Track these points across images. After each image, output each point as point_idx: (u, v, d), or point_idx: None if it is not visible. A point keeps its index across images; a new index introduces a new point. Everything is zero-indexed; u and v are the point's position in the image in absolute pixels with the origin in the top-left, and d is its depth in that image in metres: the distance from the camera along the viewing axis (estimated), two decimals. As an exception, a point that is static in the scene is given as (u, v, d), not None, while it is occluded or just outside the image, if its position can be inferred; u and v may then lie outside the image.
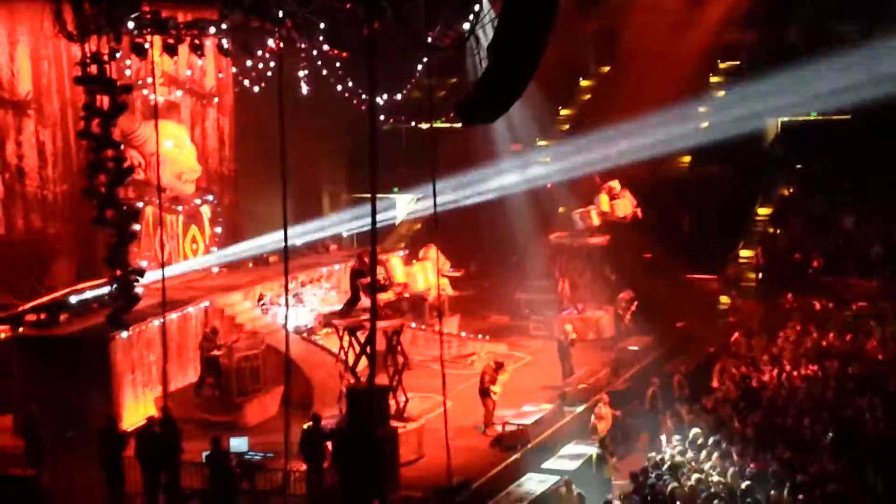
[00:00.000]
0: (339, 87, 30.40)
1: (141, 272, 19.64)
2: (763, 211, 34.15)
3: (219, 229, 28.94)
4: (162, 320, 21.09)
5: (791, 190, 34.53)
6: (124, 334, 21.35)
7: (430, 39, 19.94)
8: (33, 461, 18.85)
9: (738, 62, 38.36)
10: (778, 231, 32.91)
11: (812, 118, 35.35)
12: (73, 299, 23.49)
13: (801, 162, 34.91)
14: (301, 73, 29.41)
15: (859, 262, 30.24)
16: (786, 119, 36.22)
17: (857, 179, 32.85)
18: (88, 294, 23.67)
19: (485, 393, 21.93)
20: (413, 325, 26.18)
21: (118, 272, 19.27)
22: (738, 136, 32.89)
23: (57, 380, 21.12)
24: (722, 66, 39.19)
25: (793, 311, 27.55)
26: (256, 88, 28.87)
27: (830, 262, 30.56)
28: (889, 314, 26.04)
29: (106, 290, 21.54)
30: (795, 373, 22.30)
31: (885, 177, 31.97)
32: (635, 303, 28.54)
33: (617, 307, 28.77)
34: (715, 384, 23.07)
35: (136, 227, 20.28)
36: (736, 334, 26.15)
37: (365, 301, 20.98)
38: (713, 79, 38.93)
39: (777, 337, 25.48)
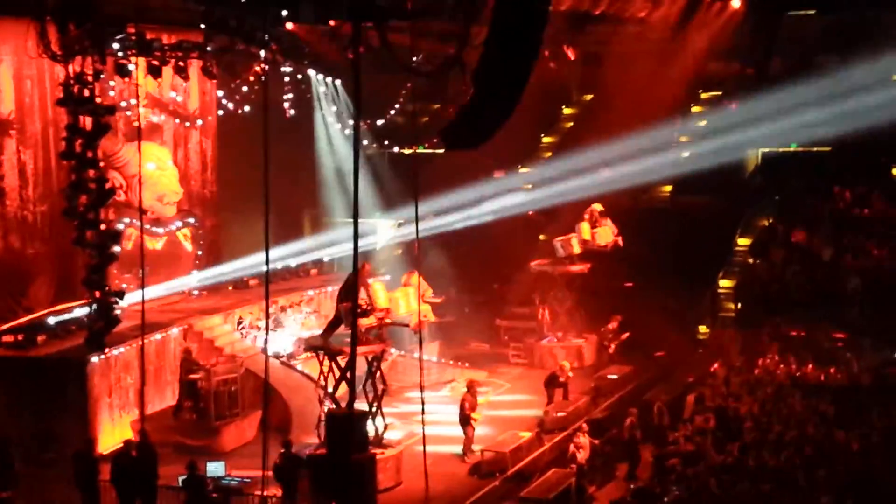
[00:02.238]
0: (323, 111, 30.47)
1: (121, 294, 19.52)
2: (743, 241, 34.26)
3: (199, 252, 28.84)
4: (140, 343, 20.96)
5: (771, 221, 34.67)
6: (102, 357, 21.21)
7: (414, 64, 19.98)
8: (4, 484, 18.64)
9: (720, 92, 38.59)
10: (758, 262, 33.00)
11: (792, 149, 35.55)
12: (51, 321, 23.34)
13: (781, 193, 35.08)
14: (285, 97, 29.44)
15: (837, 293, 30.32)
16: (766, 150, 36.41)
17: (836, 211, 33.02)
18: (67, 316, 23.51)
19: (465, 420, 21.89)
20: (393, 351, 26.11)
21: (97, 294, 19.15)
22: (719, 167, 33.08)
23: (33, 402, 21.00)
24: (704, 96, 39.42)
25: (771, 341, 27.56)
26: (240, 111, 28.88)
27: (809, 293, 30.63)
28: (867, 345, 26.11)
29: (84, 311, 21.41)
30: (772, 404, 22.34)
31: (864, 209, 32.16)
32: (626, 334, 28.48)
33: (602, 337, 28.71)
34: (686, 415, 23.11)
35: (117, 248, 20.18)
36: (716, 364, 26.14)
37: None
38: (694, 109, 39.14)
39: (755, 367, 25.53)
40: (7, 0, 21.78)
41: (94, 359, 21.39)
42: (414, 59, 20.13)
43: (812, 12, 37.41)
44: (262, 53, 24.06)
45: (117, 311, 19.52)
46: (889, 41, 32.80)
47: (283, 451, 18.68)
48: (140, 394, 20.94)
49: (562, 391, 24.93)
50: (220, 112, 29.78)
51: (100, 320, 19.40)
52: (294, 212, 33.66)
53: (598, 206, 29.81)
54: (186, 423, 22.45)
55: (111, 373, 22.03)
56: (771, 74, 36.60)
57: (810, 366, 24.91)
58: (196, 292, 28.19)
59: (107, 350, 21.18)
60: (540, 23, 13.08)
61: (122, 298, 19.56)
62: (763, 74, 36.87)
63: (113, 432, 21.64)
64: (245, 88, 28.09)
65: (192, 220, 28.64)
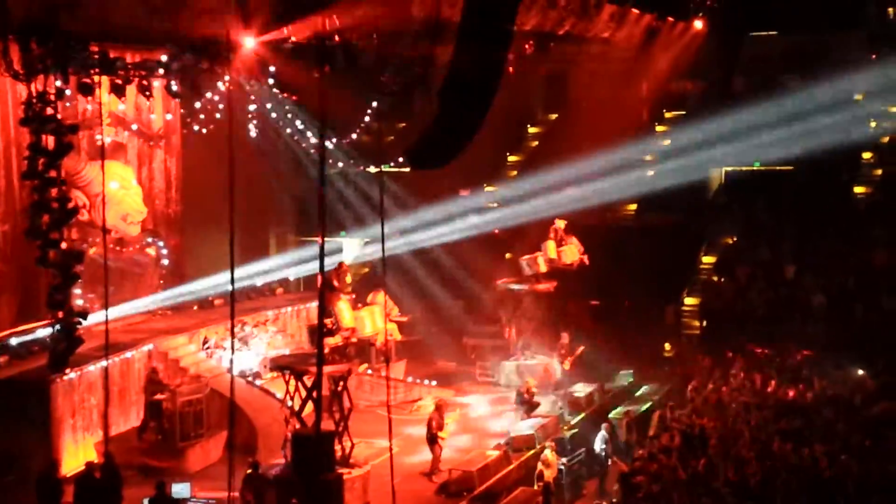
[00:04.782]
0: (289, 130, 30.39)
1: (84, 314, 19.36)
2: (707, 259, 34.49)
3: (164, 271, 28.66)
4: (104, 363, 20.78)
5: (734, 239, 34.93)
6: (65, 378, 21.00)
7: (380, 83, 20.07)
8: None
9: (684, 112, 38.93)
10: (722, 279, 33.22)
11: (755, 168, 35.91)
12: (14, 341, 23.10)
13: (745, 211, 35.38)
14: (250, 116, 29.37)
15: (801, 310, 30.55)
16: (729, 168, 36.74)
17: (799, 229, 33.33)
18: (29, 336, 23.27)
19: (432, 439, 21.85)
20: (360, 370, 26.03)
21: (60, 314, 18.98)
22: (684, 185, 33.34)
23: (-5, 424, 20.73)
24: (667, 115, 39.75)
25: (735, 359, 27.68)
26: (204, 130, 28.77)
27: (773, 310, 30.85)
28: (829, 363, 26.28)
29: (47, 332, 21.22)
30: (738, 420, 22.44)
31: (826, 226, 32.50)
32: (581, 349, 28.56)
33: (556, 352, 28.77)
34: (652, 432, 23.20)
35: (80, 268, 20.01)
36: (690, 386, 26.16)
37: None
38: (659, 128, 39.45)
39: (720, 384, 25.62)
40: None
41: (58, 380, 21.17)
42: (380, 78, 20.23)
43: (774, 33, 37.93)
44: (226, 73, 23.98)
45: (80, 332, 19.36)
46: (849, 62, 33.26)
47: (250, 471, 18.56)
48: (104, 415, 20.73)
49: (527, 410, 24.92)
50: (185, 131, 29.66)
51: (63, 341, 19.23)
52: (260, 231, 33.55)
53: (560, 223, 29.94)
54: (151, 444, 22.24)
55: (74, 394, 21.80)
56: (734, 94, 36.99)
57: (773, 382, 25.03)
58: (161, 312, 27.98)
59: (70, 371, 20.98)
60: (504, 43, 13.18)
61: (85, 319, 19.39)
62: (726, 94, 37.25)
63: (76, 454, 21.40)
64: (209, 107, 27.99)
65: (155, 240, 28.46)
